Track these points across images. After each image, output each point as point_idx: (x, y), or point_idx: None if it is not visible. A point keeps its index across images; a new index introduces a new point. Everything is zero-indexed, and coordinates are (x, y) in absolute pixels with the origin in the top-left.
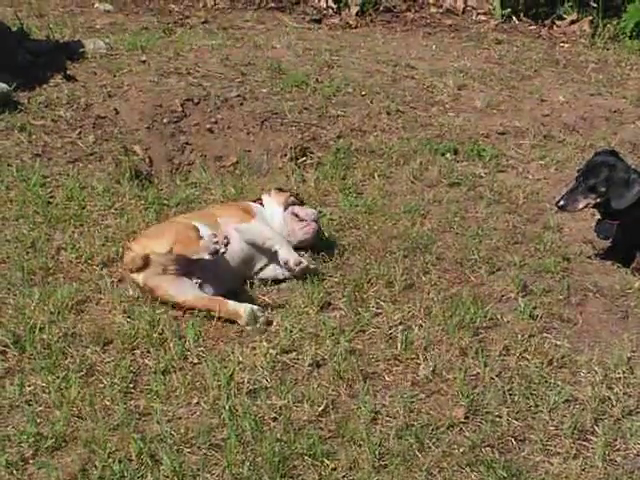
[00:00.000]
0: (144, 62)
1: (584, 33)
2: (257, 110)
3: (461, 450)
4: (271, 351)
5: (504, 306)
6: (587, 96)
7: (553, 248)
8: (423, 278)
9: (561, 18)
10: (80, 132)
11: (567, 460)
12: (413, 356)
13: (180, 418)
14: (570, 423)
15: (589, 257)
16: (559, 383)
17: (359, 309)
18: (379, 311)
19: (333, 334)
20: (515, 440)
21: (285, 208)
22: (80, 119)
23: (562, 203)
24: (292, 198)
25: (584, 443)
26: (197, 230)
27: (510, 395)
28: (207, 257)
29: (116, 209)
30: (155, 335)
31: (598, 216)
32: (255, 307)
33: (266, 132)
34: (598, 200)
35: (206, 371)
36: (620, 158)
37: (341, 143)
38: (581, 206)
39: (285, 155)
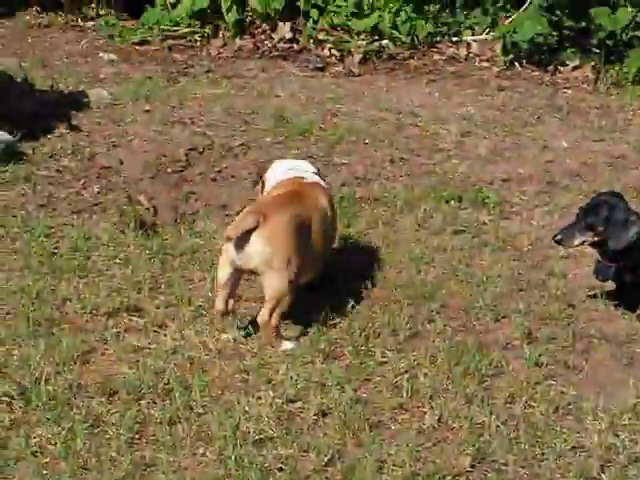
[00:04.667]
0: (148, 111)
1: (587, 79)
2: (261, 159)
3: None
4: (277, 400)
5: (509, 353)
6: (590, 142)
7: (558, 295)
8: (428, 326)
9: (564, 64)
10: (84, 182)
11: None
12: (419, 404)
13: (186, 469)
14: (576, 471)
15: (595, 301)
16: (565, 430)
17: (365, 358)
18: (384, 360)
19: (339, 383)
20: None
21: None
22: (84, 169)
23: (559, 237)
24: None
25: None
26: None
27: (516, 443)
28: None
29: (121, 259)
30: (161, 385)
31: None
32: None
33: None
34: (595, 239)
35: (212, 421)
36: (623, 200)
37: (345, 191)
38: (577, 242)
39: None
